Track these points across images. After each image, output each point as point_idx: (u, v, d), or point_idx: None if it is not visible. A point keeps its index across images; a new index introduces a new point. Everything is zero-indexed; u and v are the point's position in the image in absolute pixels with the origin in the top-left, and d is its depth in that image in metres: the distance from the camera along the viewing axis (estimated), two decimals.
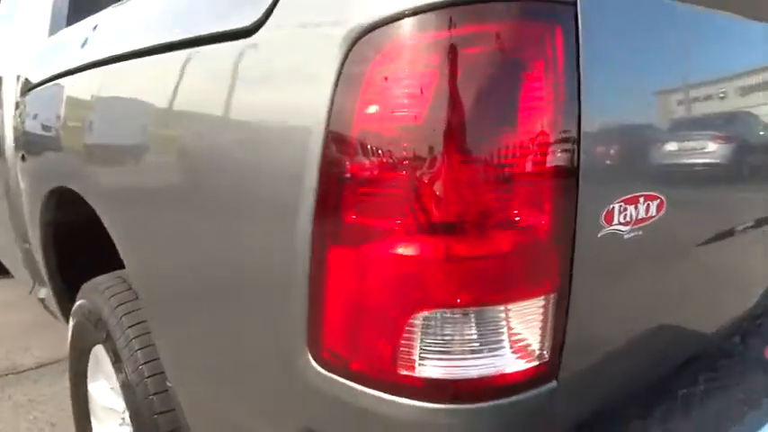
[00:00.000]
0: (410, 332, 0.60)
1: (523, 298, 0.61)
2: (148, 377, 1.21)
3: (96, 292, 1.40)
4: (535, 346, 0.63)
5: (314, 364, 0.68)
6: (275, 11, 0.69)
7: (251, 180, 0.72)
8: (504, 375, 0.62)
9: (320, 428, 0.71)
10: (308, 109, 0.63)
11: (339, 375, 0.66)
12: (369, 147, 0.60)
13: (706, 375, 0.90)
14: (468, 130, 0.57)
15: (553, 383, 0.65)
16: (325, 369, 0.67)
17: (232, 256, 0.77)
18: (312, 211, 0.64)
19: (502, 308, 0.60)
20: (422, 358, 0.61)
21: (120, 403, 1.46)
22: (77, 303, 1.49)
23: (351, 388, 0.65)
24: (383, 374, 0.62)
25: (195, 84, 0.82)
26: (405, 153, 0.58)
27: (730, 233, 0.88)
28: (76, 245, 1.75)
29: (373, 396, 0.64)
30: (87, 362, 1.56)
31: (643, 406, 0.81)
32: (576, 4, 0.60)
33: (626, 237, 0.67)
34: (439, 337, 0.60)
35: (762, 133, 0.90)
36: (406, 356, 0.61)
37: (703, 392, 0.86)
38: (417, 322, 0.60)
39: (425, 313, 0.60)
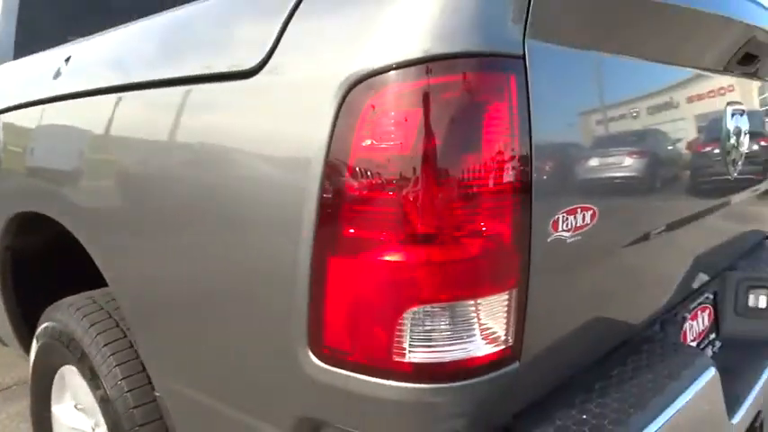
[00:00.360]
0: (401, 326, 0.73)
1: (491, 293, 0.74)
2: (128, 391, 1.27)
3: (66, 314, 1.44)
4: (501, 333, 0.77)
5: (314, 359, 0.79)
6: (272, 59, 0.81)
7: (257, 201, 0.83)
8: (476, 358, 0.75)
9: (318, 415, 0.82)
10: (308, 141, 0.75)
11: (338, 367, 0.77)
12: (363, 172, 0.72)
13: (633, 357, 1.07)
14: (442, 157, 0.71)
15: (516, 364, 0.79)
16: (325, 363, 0.78)
17: (234, 267, 0.87)
18: (314, 228, 0.75)
19: (474, 302, 0.74)
20: (411, 347, 0.73)
21: (87, 422, 1.50)
22: (43, 326, 1.52)
23: (348, 377, 0.77)
24: (379, 363, 0.74)
25: (194, 118, 0.92)
26: (392, 177, 0.71)
27: (647, 237, 1.06)
28: (32, 270, 1.77)
29: (369, 382, 0.75)
30: (51, 384, 1.59)
31: (585, 383, 0.96)
32: (524, 57, 0.75)
33: (568, 241, 0.83)
34: (424, 329, 0.73)
35: (667, 150, 1.09)
36: (398, 346, 0.73)
37: (632, 371, 1.02)
38: (407, 317, 0.72)
39: (413, 309, 0.72)
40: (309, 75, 0.78)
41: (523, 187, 0.75)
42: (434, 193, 0.71)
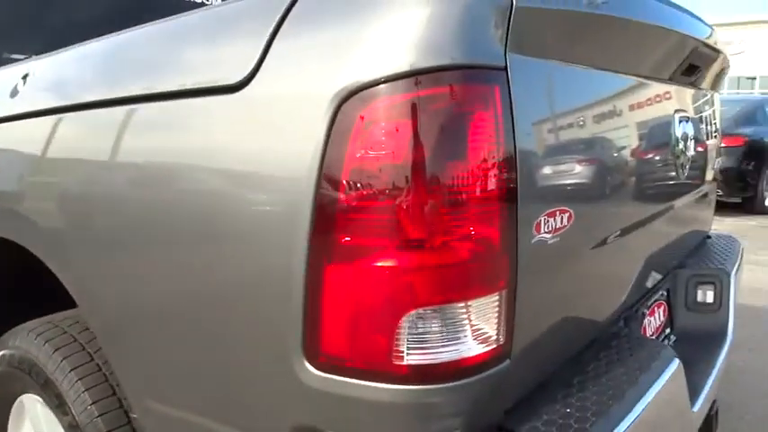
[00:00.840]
0: (399, 329, 0.75)
1: (483, 294, 0.78)
2: (99, 416, 1.24)
3: (26, 340, 1.39)
4: (492, 332, 0.80)
5: (310, 368, 0.80)
6: (258, 73, 0.82)
7: (244, 213, 0.83)
8: (470, 358, 0.78)
9: (314, 423, 0.83)
10: (300, 153, 0.77)
11: (335, 374, 0.79)
12: (356, 182, 0.74)
13: (604, 353, 1.13)
14: (432, 166, 0.74)
15: (507, 362, 0.82)
16: (322, 370, 0.79)
17: (223, 280, 0.87)
18: (308, 238, 0.77)
19: (467, 304, 0.77)
20: (408, 349, 0.75)
21: None
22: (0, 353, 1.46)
23: (346, 383, 0.78)
24: (377, 366, 0.76)
25: (174, 133, 0.92)
26: (384, 186, 0.74)
27: (612, 237, 1.12)
28: None
29: (367, 386, 0.77)
30: (9, 413, 1.52)
31: (564, 379, 1.01)
32: (506, 69, 0.79)
33: (549, 242, 0.87)
34: (420, 331, 0.75)
35: (629, 154, 1.16)
36: (396, 350, 0.75)
37: (605, 365, 1.08)
38: (404, 321, 0.75)
39: (410, 313, 0.74)
40: (298, 89, 0.79)
41: (510, 192, 0.78)
42: (426, 200, 0.73)
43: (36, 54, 1.40)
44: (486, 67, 0.77)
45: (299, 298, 0.79)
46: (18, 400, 1.48)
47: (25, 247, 1.24)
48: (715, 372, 1.42)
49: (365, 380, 0.77)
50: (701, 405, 1.28)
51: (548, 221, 0.86)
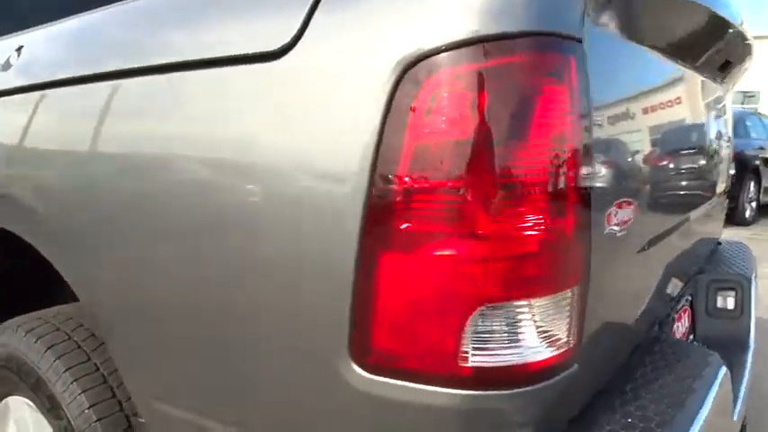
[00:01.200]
0: (466, 327, 0.66)
1: (557, 291, 0.70)
2: (98, 420, 1.13)
3: (14, 337, 1.28)
4: (563, 333, 0.72)
5: (356, 368, 0.71)
6: (304, 38, 0.73)
7: (279, 195, 0.74)
8: (540, 361, 0.70)
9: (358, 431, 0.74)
10: (352, 130, 0.68)
11: (387, 376, 0.70)
12: (416, 163, 0.66)
13: (650, 358, 1.06)
14: (503, 148, 0.66)
15: (575, 367, 0.74)
16: (372, 372, 0.71)
17: (252, 270, 0.78)
18: (361, 222, 0.68)
19: (540, 300, 0.69)
20: (474, 350, 0.67)
21: None
22: None
23: (399, 386, 0.69)
24: (439, 368, 0.68)
25: (202, 105, 0.82)
26: (448, 168, 0.65)
27: (661, 236, 1.05)
28: None
29: (425, 390, 0.68)
30: None
31: (616, 386, 0.93)
32: (582, 41, 0.71)
33: (617, 235, 0.80)
34: (489, 330, 0.67)
35: (683, 146, 1.10)
36: (461, 350, 0.67)
37: (652, 371, 1.01)
38: (473, 318, 0.66)
39: (480, 309, 0.66)
40: (348, 59, 0.71)
41: (587, 177, 0.71)
42: (495, 185, 0.66)
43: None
44: (562, 36, 0.69)
45: (347, 288, 0.70)
46: (2, 402, 1.36)
47: (16, 234, 1.13)
48: (746, 380, 1.37)
49: (423, 383, 0.69)
50: (738, 414, 1.22)
51: (617, 213, 0.79)
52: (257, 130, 0.77)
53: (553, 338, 0.71)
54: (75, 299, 1.16)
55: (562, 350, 0.72)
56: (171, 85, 0.85)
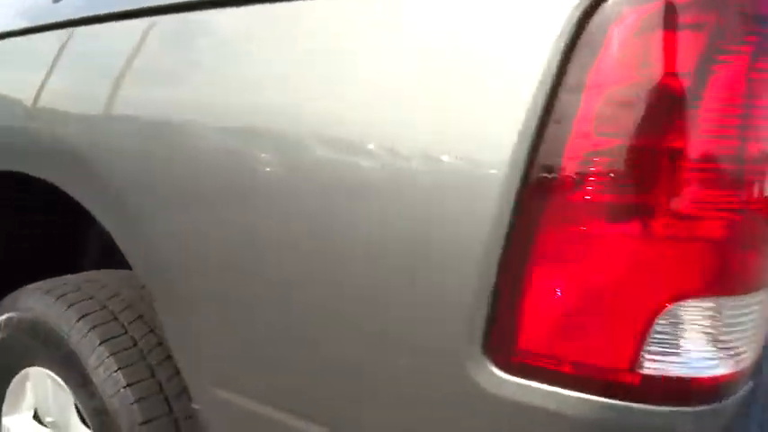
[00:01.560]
0: (651, 329, 0.54)
1: (752, 290, 0.57)
2: (135, 402, 1.00)
3: (41, 302, 1.15)
4: (747, 341, 0.59)
5: (494, 369, 0.59)
6: None
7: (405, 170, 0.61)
8: (726, 375, 0.57)
9: None
10: (508, 91, 0.55)
11: (537, 380, 0.57)
12: (600, 123, 0.53)
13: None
14: (715, 104, 0.53)
15: (751, 384, 0.62)
16: (517, 375, 0.58)
17: (363, 244, 0.65)
18: (517, 194, 0.55)
19: (734, 300, 0.56)
20: (656, 356, 0.54)
21: None
22: (3, 317, 1.20)
23: (553, 393, 0.57)
24: (610, 375, 0.55)
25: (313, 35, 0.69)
26: (631, 134, 0.53)
27: None
28: None
29: (588, 400, 0.56)
30: (5, 390, 1.26)
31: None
32: None
33: None
34: (676, 332, 0.55)
35: None
36: (640, 355, 0.54)
37: None
38: (662, 315, 0.54)
39: (673, 305, 0.53)
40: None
41: None
42: (689, 158, 0.53)
43: None
44: None
45: (489, 269, 0.57)
46: (19, 374, 1.23)
47: (65, 190, 0.99)
48: None
49: (586, 392, 0.56)
50: None
51: None
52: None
53: (739, 349, 0.58)
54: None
55: (746, 363, 0.59)
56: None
